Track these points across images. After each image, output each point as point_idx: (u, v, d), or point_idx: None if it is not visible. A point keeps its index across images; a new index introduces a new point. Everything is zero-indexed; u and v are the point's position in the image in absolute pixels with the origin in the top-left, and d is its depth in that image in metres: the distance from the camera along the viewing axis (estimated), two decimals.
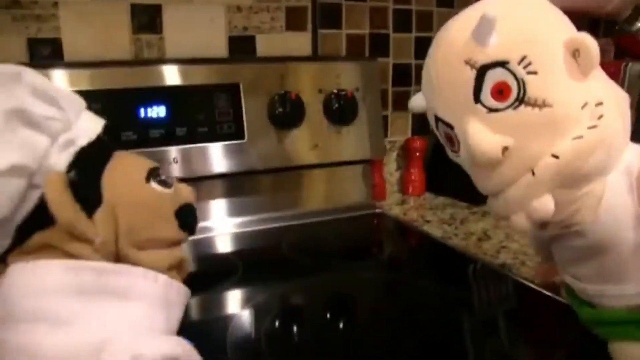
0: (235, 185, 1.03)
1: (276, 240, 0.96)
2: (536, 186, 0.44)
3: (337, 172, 1.11)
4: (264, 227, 1.03)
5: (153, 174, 0.43)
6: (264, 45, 1.12)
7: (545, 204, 0.44)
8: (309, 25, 1.16)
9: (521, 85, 0.43)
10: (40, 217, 0.37)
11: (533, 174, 0.44)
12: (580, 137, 0.43)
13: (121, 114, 0.86)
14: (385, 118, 1.27)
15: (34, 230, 0.37)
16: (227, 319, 0.66)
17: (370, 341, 0.63)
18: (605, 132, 0.43)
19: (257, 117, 0.99)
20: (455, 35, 0.46)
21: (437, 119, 0.49)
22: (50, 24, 0.96)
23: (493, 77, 0.43)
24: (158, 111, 0.91)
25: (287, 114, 0.99)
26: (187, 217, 0.46)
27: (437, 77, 0.47)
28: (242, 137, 0.98)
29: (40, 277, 0.36)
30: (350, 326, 0.68)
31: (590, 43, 0.43)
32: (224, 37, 1.09)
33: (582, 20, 1.35)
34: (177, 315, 0.42)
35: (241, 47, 1.10)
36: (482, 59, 0.44)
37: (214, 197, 1.01)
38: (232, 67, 1.00)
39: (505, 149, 0.43)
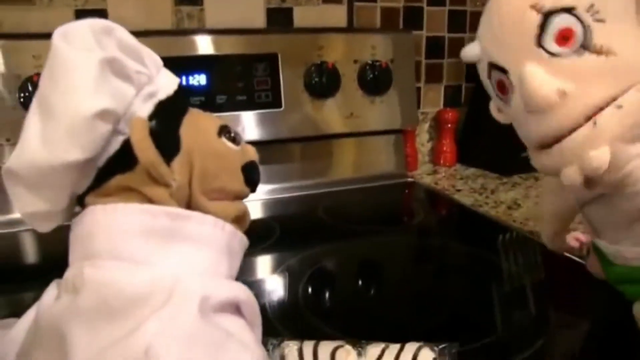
0: (271, 152, 1.06)
1: (312, 206, 0.99)
2: (595, 137, 0.43)
3: (370, 141, 1.14)
4: (299, 194, 1.06)
5: (224, 130, 0.45)
6: (301, 17, 1.15)
7: (602, 156, 0.42)
8: None
9: (587, 31, 0.42)
10: (121, 161, 0.39)
11: (594, 123, 0.43)
12: None
13: None
14: (418, 90, 1.29)
15: (114, 173, 0.39)
16: (263, 280, 0.70)
17: (401, 304, 0.66)
18: None
19: (294, 86, 1.02)
20: None
21: (492, 66, 0.48)
22: None
23: (559, 22, 0.43)
24: (199, 79, 0.95)
25: (323, 83, 1.02)
26: (252, 173, 0.48)
27: (499, 20, 0.46)
28: (280, 106, 1.01)
29: (119, 218, 0.38)
30: (381, 289, 0.71)
31: None
32: (262, 9, 1.12)
33: None
34: (237, 264, 0.44)
35: (278, 18, 1.13)
36: (550, 3, 0.43)
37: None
38: (270, 37, 1.03)
39: (563, 93, 0.43)
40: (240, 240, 0.45)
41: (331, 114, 1.06)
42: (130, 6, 1.02)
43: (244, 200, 0.47)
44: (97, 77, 0.37)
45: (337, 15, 1.18)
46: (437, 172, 1.24)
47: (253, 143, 0.99)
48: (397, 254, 0.82)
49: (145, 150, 0.38)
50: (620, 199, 0.48)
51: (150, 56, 0.43)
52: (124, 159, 0.39)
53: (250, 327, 0.40)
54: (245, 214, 0.47)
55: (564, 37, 0.43)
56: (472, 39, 0.51)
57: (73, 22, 0.39)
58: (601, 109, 0.43)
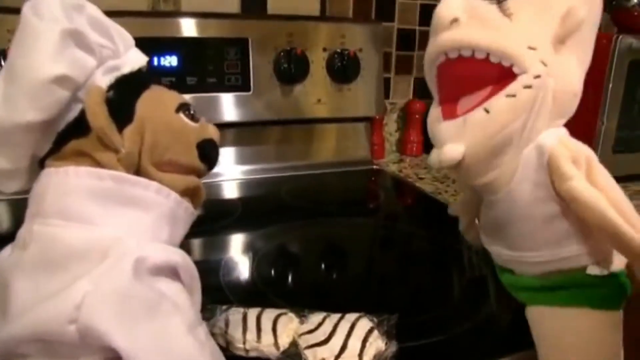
0: (241, 135, 1.08)
1: (275, 189, 1.02)
2: (461, 134, 0.48)
3: (338, 128, 1.17)
4: (266, 176, 1.09)
5: (183, 107, 0.47)
6: (275, 4, 1.17)
7: (453, 150, 0.48)
8: None
9: None
10: (77, 127, 0.42)
11: (465, 121, 0.48)
12: (513, 95, 0.46)
13: None
14: (388, 80, 1.31)
15: (71, 138, 0.42)
16: (222, 257, 0.72)
17: (352, 281, 0.69)
18: (538, 93, 0.46)
19: (264, 71, 1.04)
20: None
21: None
22: None
23: None
24: (170, 60, 0.97)
25: (291, 69, 1.04)
26: (209, 150, 0.49)
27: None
28: (249, 90, 1.03)
29: (69, 180, 0.41)
30: (334, 266, 0.74)
31: (580, 11, 0.46)
32: None
33: None
34: (180, 233, 0.46)
35: (253, 4, 1.15)
36: None
37: (220, 145, 1.06)
38: (243, 22, 1.05)
39: (455, 19, 0.48)
40: (186, 210, 0.46)
41: (299, 100, 1.08)
42: None
43: (203, 179, 0.49)
44: (57, 45, 0.40)
45: (311, 4, 1.20)
46: (403, 161, 1.27)
47: (221, 125, 1.02)
48: (355, 236, 0.85)
49: (97, 115, 0.41)
50: (490, 206, 0.53)
51: (120, 34, 0.46)
52: (80, 125, 0.41)
53: (189, 292, 0.42)
54: (197, 188, 0.49)
55: None
56: None
57: None
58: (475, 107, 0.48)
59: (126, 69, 0.45)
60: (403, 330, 0.52)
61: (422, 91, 1.35)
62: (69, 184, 0.41)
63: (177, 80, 0.97)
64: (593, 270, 0.48)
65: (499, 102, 0.47)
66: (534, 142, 0.47)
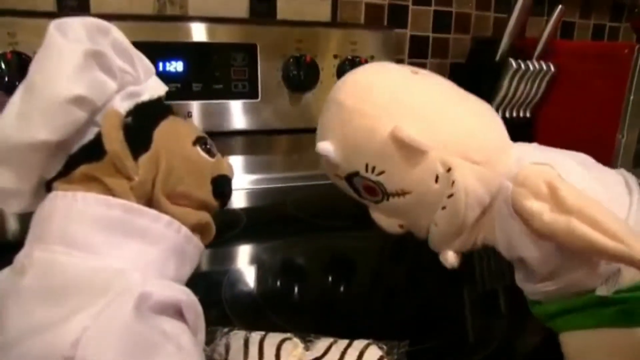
0: (248, 143, 1.06)
1: (280, 199, 1.00)
2: (436, 243, 0.53)
3: None
4: (274, 186, 1.06)
5: (201, 141, 0.46)
6: (284, 9, 1.14)
7: (448, 259, 0.53)
8: None
9: (378, 184, 0.50)
10: (92, 151, 0.40)
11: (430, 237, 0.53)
12: (444, 207, 0.49)
13: None
14: None
15: (82, 161, 0.41)
16: (225, 271, 0.69)
17: (359, 301, 0.66)
18: (462, 194, 0.47)
19: (272, 78, 1.01)
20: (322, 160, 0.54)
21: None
22: None
23: (358, 182, 0.52)
24: (176, 66, 0.94)
25: (301, 76, 1.01)
26: (223, 186, 0.48)
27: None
28: (256, 97, 1.01)
29: (76, 206, 0.39)
30: (340, 285, 0.72)
31: (405, 135, 0.47)
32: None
33: (605, 3, 1.36)
34: (187, 269, 0.44)
35: (262, 9, 1.12)
36: (342, 172, 0.52)
37: (226, 154, 1.03)
38: (251, 27, 1.02)
39: (401, 225, 0.54)
40: (195, 246, 0.45)
41: (308, 108, 1.05)
42: None
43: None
44: (79, 65, 0.38)
45: (322, 9, 1.17)
46: None
47: (227, 133, 1.00)
48: (362, 251, 0.82)
49: (113, 139, 0.40)
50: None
51: (142, 61, 0.46)
52: (94, 149, 0.40)
53: (192, 331, 0.40)
54: (208, 225, 0.47)
55: (370, 189, 0.52)
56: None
57: (72, 17, 0.41)
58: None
59: (146, 97, 0.45)
60: (414, 358, 0.50)
61: None
62: (76, 210, 0.39)
63: (182, 87, 0.95)
64: (601, 291, 0.45)
65: (439, 215, 0.50)
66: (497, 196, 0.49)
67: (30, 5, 0.96)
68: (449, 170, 0.47)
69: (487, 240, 0.52)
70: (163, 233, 0.41)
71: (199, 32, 0.97)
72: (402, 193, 0.50)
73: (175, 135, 0.45)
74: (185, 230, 0.43)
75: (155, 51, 0.92)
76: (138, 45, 0.87)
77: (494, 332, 0.59)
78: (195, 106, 0.96)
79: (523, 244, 0.48)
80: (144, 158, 0.41)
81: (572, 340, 0.50)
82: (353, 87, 0.53)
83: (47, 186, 0.42)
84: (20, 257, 0.39)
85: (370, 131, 0.49)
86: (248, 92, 1.00)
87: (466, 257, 0.67)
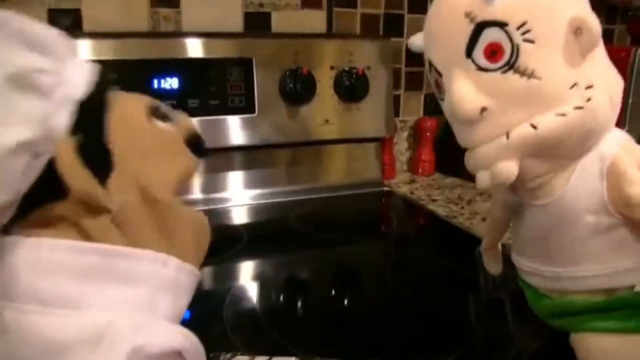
0: (246, 158, 1.05)
1: (283, 214, 0.98)
2: (506, 149, 0.44)
3: (347, 149, 1.13)
4: (274, 201, 1.05)
5: (154, 112, 0.41)
6: (279, 22, 1.13)
7: (509, 168, 0.44)
8: (325, 3, 1.17)
9: (515, 50, 0.42)
10: (48, 188, 0.34)
11: (508, 137, 0.44)
12: (563, 114, 0.42)
13: (135, 84, 0.88)
14: (398, 97, 1.28)
15: (41, 202, 0.35)
16: (227, 289, 0.68)
17: (367, 319, 0.65)
18: (590, 115, 0.43)
19: (269, 92, 1.01)
20: None
21: (430, 64, 0.49)
22: None
23: (489, 36, 0.43)
24: (171, 82, 0.93)
25: (298, 89, 1.00)
26: (199, 144, 0.44)
27: (436, 22, 0.47)
28: (253, 112, 1.00)
29: (43, 256, 0.34)
30: (346, 302, 0.70)
31: (593, 24, 0.42)
32: (240, 13, 1.10)
33: (600, 5, 1.35)
34: (185, 301, 0.40)
35: (256, 23, 1.12)
36: (483, 15, 0.43)
37: (224, 170, 1.03)
38: (246, 41, 1.01)
39: (484, 109, 0.43)
40: (189, 274, 0.40)
41: (306, 121, 1.05)
42: (106, 6, 1.01)
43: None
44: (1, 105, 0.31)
45: (317, 21, 1.17)
46: (415, 181, 1.23)
47: (225, 149, 0.99)
48: (366, 268, 0.81)
49: (76, 177, 0.34)
50: (535, 213, 0.49)
51: (55, 41, 0.35)
52: (50, 185, 0.34)
53: None
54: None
55: (492, 51, 0.43)
56: None
57: None
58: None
59: (78, 92, 0.35)
60: None
61: (432, 108, 1.31)
62: (43, 260, 0.34)
63: (178, 103, 0.94)
64: None
65: (548, 118, 0.43)
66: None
67: None
68: (590, 87, 0.43)
69: (547, 187, 0.47)
70: (149, 271, 0.37)
71: (194, 48, 0.96)
72: (530, 74, 0.43)
73: (128, 126, 0.39)
74: (174, 261, 0.38)
75: (150, 68, 0.92)
76: (133, 62, 0.88)
77: (506, 342, 0.57)
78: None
79: (586, 207, 0.45)
80: (112, 179, 0.36)
81: (592, 344, 0.48)
82: None
83: (5, 230, 0.35)
84: None
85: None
86: (245, 106, 0.99)
87: (470, 266, 0.66)
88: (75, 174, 0.34)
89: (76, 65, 0.36)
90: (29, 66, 0.32)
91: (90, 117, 0.36)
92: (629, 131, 1.00)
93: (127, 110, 0.40)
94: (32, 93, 0.32)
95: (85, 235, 0.35)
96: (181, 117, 0.44)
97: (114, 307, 0.34)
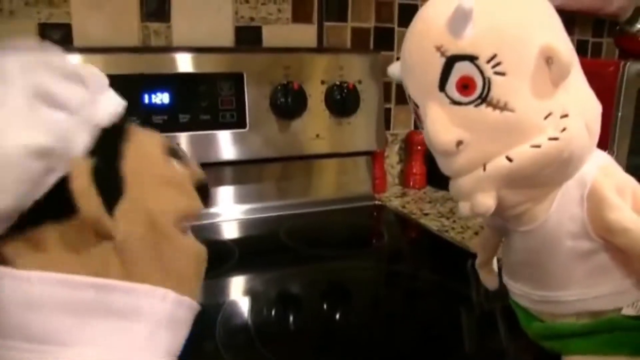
0: (237, 173, 1.04)
1: (273, 229, 0.97)
2: (483, 182, 0.44)
3: (338, 163, 1.13)
4: (264, 215, 1.04)
5: (172, 153, 0.42)
6: (270, 36, 1.14)
7: (486, 201, 0.44)
8: (315, 18, 1.17)
9: (486, 83, 0.42)
10: (54, 207, 0.33)
11: (484, 169, 0.44)
12: (538, 146, 0.42)
13: (126, 99, 0.86)
14: (389, 111, 1.28)
15: (44, 219, 0.34)
16: (219, 305, 0.67)
17: (358, 335, 0.64)
18: (565, 145, 0.42)
19: (260, 106, 1.00)
20: (432, 17, 0.45)
21: (409, 94, 0.49)
22: (62, 10, 0.98)
23: (460, 69, 0.43)
24: (162, 98, 0.93)
25: (289, 104, 1.00)
26: (207, 192, 0.45)
27: (409, 55, 0.47)
28: (244, 126, 0.99)
29: (31, 289, 0.32)
30: (341, 315, 0.70)
31: (562, 54, 0.42)
32: (230, 27, 1.10)
33: (587, 19, 1.37)
34: (183, 334, 0.39)
35: (247, 37, 1.12)
36: (453, 49, 0.43)
37: (216, 185, 1.03)
38: (237, 56, 1.01)
39: (460, 142, 0.44)
40: (188, 308, 0.39)
41: (297, 136, 1.04)
42: (96, 21, 1.00)
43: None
44: (23, 110, 0.32)
45: (307, 35, 1.17)
46: (406, 195, 1.23)
47: (216, 164, 0.99)
48: (358, 281, 0.80)
49: (88, 198, 0.33)
50: (521, 237, 0.50)
51: (91, 75, 0.38)
52: (57, 203, 0.33)
53: None
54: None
55: (465, 85, 0.43)
56: None
57: None
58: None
59: (104, 120, 0.37)
60: None
61: None
62: (33, 295, 0.32)
63: (169, 118, 0.94)
64: (629, 311, 0.45)
65: (523, 150, 0.43)
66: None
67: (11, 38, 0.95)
68: (565, 116, 0.43)
69: (530, 214, 0.47)
70: (146, 306, 0.35)
71: (184, 63, 0.96)
72: (503, 107, 0.42)
73: (144, 158, 0.39)
74: (172, 295, 0.37)
75: (140, 83, 0.92)
76: (123, 77, 0.87)
77: (498, 357, 0.58)
78: (182, 138, 0.95)
79: (569, 232, 0.45)
80: (120, 208, 0.35)
81: None
82: None
83: None
84: None
85: (525, 26, 0.43)
86: (236, 121, 0.99)
87: (462, 281, 0.66)
88: (87, 196, 0.33)
89: (107, 97, 0.39)
90: (62, 90, 0.34)
91: (109, 144, 0.37)
92: (618, 145, 1.01)
93: (144, 143, 0.40)
94: (60, 109, 0.34)
95: (83, 263, 0.34)
96: (193, 163, 0.45)
97: (108, 344, 0.33)
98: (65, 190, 0.33)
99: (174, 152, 0.42)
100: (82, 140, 0.35)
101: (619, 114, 0.99)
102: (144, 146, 0.40)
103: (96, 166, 0.35)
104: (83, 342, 0.32)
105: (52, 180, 0.33)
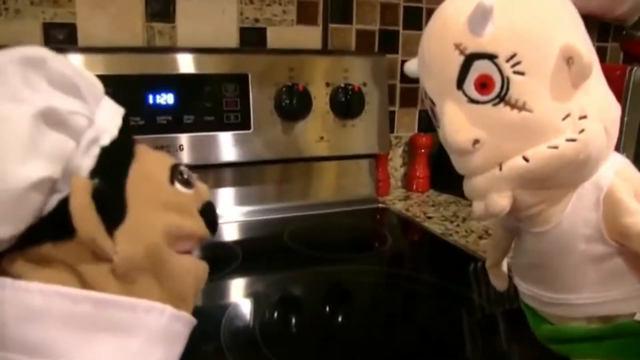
0: (241, 174, 1.04)
1: (277, 231, 0.97)
2: (499, 181, 0.44)
3: (342, 165, 1.13)
4: (268, 217, 1.04)
5: (177, 174, 0.41)
6: (275, 38, 1.13)
7: (502, 201, 0.44)
8: (320, 20, 1.17)
9: (505, 83, 0.42)
10: (54, 227, 0.34)
11: (500, 169, 0.43)
12: (555, 147, 0.42)
13: (130, 99, 0.87)
14: (393, 114, 1.27)
15: (44, 238, 0.34)
16: (223, 308, 0.67)
17: (366, 334, 0.64)
18: (583, 147, 0.42)
19: (264, 108, 1.00)
20: (452, 14, 0.44)
21: (425, 92, 0.48)
22: (66, 9, 0.98)
23: (479, 68, 0.42)
24: (166, 98, 0.93)
25: (293, 105, 1.00)
26: (212, 215, 0.44)
27: (428, 52, 0.46)
28: (249, 128, 0.99)
29: (31, 301, 0.33)
30: (344, 317, 0.70)
31: (583, 55, 0.41)
32: (235, 29, 1.10)
33: (593, 23, 1.36)
34: (178, 349, 0.39)
35: (252, 39, 1.12)
36: (472, 47, 0.42)
37: (219, 186, 1.02)
38: (242, 57, 1.01)
39: (476, 141, 0.43)
40: (186, 324, 0.39)
41: (301, 137, 1.04)
42: (101, 21, 1.00)
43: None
44: (29, 137, 0.31)
45: (312, 37, 1.17)
46: (409, 198, 1.22)
47: (219, 165, 0.98)
48: (362, 285, 0.80)
49: (86, 220, 0.33)
50: (533, 239, 0.49)
51: (89, 85, 0.37)
52: (58, 224, 0.33)
53: None
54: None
55: (483, 84, 0.42)
56: None
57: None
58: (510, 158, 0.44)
59: (106, 138, 0.37)
60: None
61: (427, 124, 1.31)
62: (32, 306, 0.32)
63: (173, 119, 0.93)
64: None
65: (539, 151, 0.42)
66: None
67: (17, 39, 0.95)
68: (583, 117, 0.42)
69: (544, 215, 0.46)
70: (144, 321, 0.36)
71: (189, 63, 0.96)
72: (522, 107, 0.42)
73: (148, 181, 0.39)
74: (169, 310, 0.37)
75: (144, 84, 0.91)
76: (127, 78, 0.87)
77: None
78: (186, 139, 0.95)
79: (582, 235, 0.45)
80: (121, 230, 0.35)
81: None
82: None
83: None
84: None
85: (546, 26, 0.43)
86: (240, 123, 0.98)
87: (465, 284, 0.66)
88: (86, 218, 0.33)
89: (106, 109, 0.38)
90: (64, 107, 0.33)
91: (112, 164, 0.37)
92: (623, 150, 1.00)
93: (150, 165, 0.40)
94: (62, 131, 0.33)
95: (82, 281, 0.34)
96: (201, 185, 0.44)
97: (106, 358, 0.34)
98: (67, 210, 0.33)
99: (180, 175, 0.42)
100: (86, 162, 0.35)
101: (625, 119, 0.99)
102: (149, 169, 0.40)
103: (98, 186, 0.34)
104: (81, 355, 0.33)
105: (54, 201, 0.34)
